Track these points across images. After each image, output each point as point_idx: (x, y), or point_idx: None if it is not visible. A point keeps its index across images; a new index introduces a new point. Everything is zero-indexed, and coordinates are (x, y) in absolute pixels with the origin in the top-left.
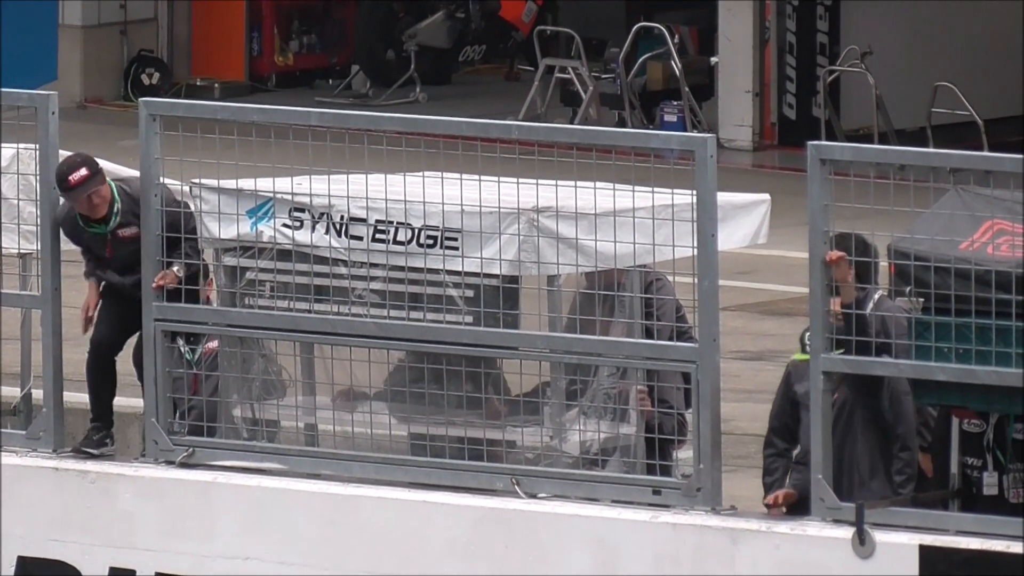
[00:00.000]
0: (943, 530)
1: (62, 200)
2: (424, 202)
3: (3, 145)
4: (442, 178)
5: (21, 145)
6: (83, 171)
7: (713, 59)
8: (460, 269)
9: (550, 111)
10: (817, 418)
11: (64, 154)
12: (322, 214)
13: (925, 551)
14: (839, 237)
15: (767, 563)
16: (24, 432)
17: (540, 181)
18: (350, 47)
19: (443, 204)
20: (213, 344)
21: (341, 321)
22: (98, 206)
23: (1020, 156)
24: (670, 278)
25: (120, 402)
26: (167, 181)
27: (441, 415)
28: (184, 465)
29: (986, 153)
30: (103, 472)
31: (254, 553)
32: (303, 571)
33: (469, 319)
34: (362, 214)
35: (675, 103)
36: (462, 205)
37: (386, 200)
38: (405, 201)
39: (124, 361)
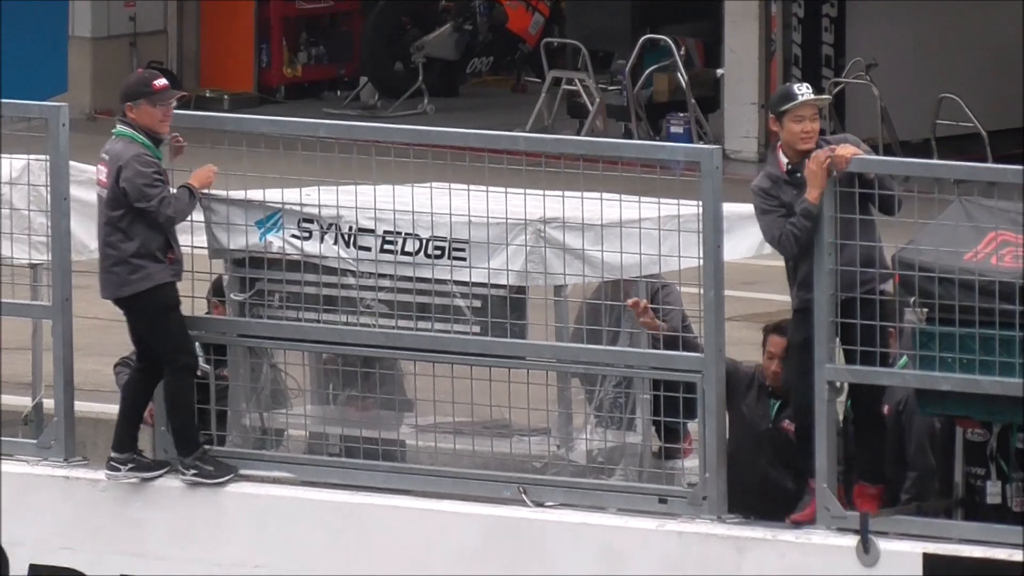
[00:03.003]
0: (947, 538)
1: (129, 152)
2: (432, 213)
3: (14, 156)
4: (450, 189)
5: (32, 156)
6: (163, 80)
7: (719, 71)
8: (467, 280)
9: (557, 123)
10: (822, 427)
11: (76, 167)
12: (330, 225)
13: (929, 559)
14: None
15: (772, 571)
16: (35, 441)
17: (547, 192)
18: (358, 59)
19: (451, 215)
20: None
21: (350, 331)
22: (168, 119)
23: None
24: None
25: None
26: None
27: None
28: (174, 469)
29: (990, 165)
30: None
31: (262, 561)
32: None
33: (476, 329)
34: (370, 225)
35: (681, 115)
36: (469, 216)
37: (394, 211)
38: (413, 212)
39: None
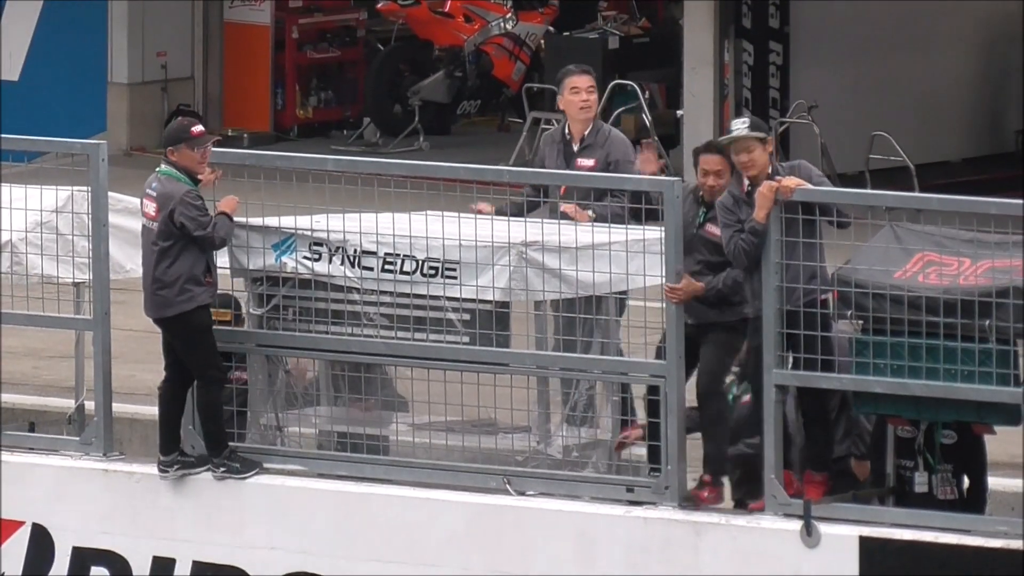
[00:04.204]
0: (880, 523)
1: (178, 192)
2: (427, 237)
3: (60, 188)
4: (442, 216)
5: (75, 188)
6: (200, 126)
7: (679, 112)
8: (458, 296)
9: (536, 158)
10: (769, 423)
11: (114, 197)
12: (338, 248)
13: (864, 541)
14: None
15: (726, 552)
16: (79, 438)
17: (528, 218)
18: (362, 102)
19: (443, 239)
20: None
21: (355, 341)
22: (205, 160)
23: (947, 196)
24: (638, 303)
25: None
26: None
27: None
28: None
29: (917, 194)
30: (147, 473)
31: (279, 543)
32: (321, 559)
33: (466, 339)
34: (373, 248)
35: None
36: (460, 240)
37: (393, 236)
38: (410, 236)
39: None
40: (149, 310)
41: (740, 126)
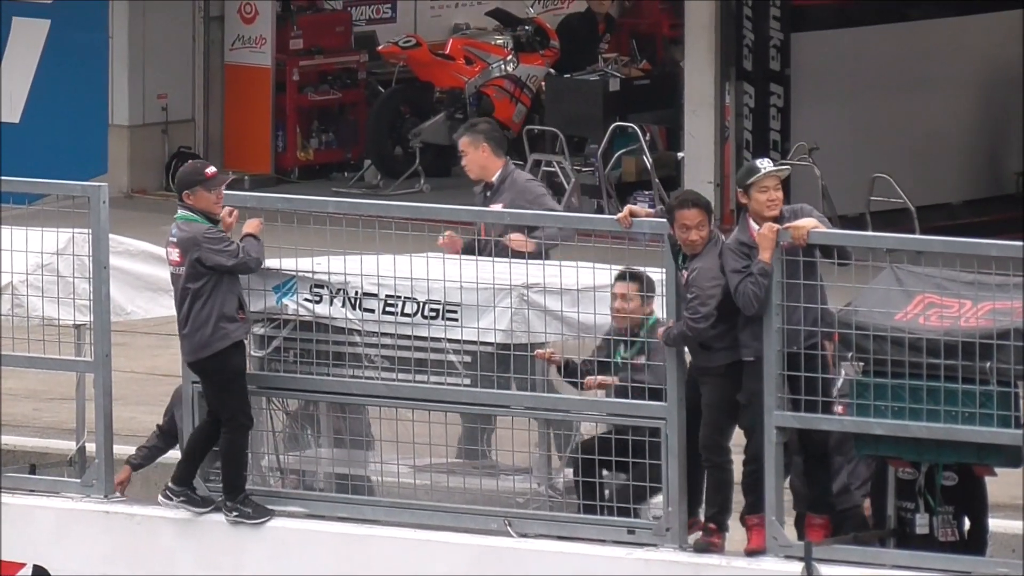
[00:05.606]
0: (881, 565)
1: (198, 233)
2: (428, 279)
3: (61, 230)
4: (443, 258)
5: (76, 230)
6: (213, 167)
7: (680, 154)
8: (459, 338)
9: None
10: (770, 465)
11: (115, 239)
12: (339, 290)
13: None
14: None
15: None
16: (79, 480)
17: (529, 261)
18: (363, 144)
19: (444, 281)
20: None
21: (356, 383)
22: (220, 201)
23: (948, 238)
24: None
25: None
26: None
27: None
28: (218, 508)
29: (918, 236)
30: (148, 515)
31: None
32: None
33: (467, 381)
34: (374, 290)
35: (646, 193)
36: (461, 282)
37: (394, 278)
38: (411, 278)
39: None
40: (187, 353)
41: (767, 164)
